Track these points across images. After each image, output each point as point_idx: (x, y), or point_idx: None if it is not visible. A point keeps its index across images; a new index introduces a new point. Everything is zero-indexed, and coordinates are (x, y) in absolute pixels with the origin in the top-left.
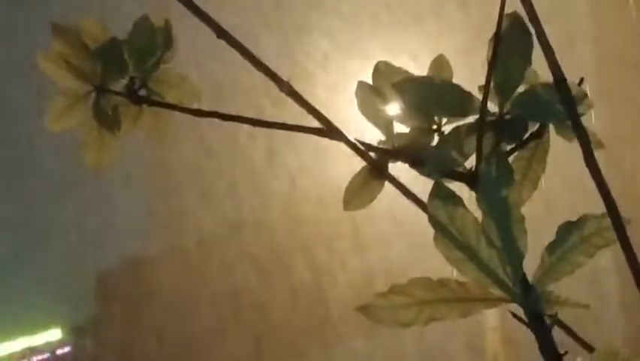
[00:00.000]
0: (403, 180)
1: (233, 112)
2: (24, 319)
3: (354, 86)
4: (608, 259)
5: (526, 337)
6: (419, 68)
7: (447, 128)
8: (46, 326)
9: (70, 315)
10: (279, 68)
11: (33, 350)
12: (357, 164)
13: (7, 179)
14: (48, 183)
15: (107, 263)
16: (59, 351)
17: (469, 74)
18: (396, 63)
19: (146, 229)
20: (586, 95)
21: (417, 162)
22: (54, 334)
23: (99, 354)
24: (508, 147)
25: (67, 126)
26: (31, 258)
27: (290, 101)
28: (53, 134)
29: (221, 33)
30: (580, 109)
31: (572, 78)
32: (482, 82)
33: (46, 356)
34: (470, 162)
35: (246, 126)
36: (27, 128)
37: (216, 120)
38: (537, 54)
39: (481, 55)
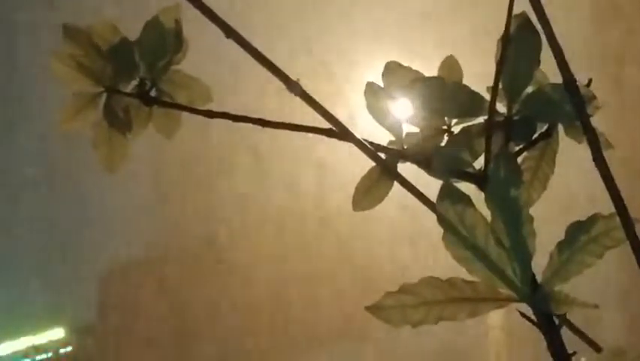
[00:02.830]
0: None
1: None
2: (27, 318)
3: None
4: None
5: (529, 335)
6: (429, 69)
7: (456, 129)
8: (49, 326)
9: (73, 315)
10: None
11: (36, 349)
12: None
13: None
14: (49, 182)
15: (109, 263)
16: (62, 350)
17: (478, 75)
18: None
19: (149, 230)
20: (594, 96)
21: (426, 162)
22: (57, 333)
23: (101, 354)
24: (517, 148)
25: (79, 127)
26: (34, 257)
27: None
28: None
29: (230, 33)
30: (588, 110)
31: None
32: (491, 82)
33: (48, 355)
34: (479, 163)
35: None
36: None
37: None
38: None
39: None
